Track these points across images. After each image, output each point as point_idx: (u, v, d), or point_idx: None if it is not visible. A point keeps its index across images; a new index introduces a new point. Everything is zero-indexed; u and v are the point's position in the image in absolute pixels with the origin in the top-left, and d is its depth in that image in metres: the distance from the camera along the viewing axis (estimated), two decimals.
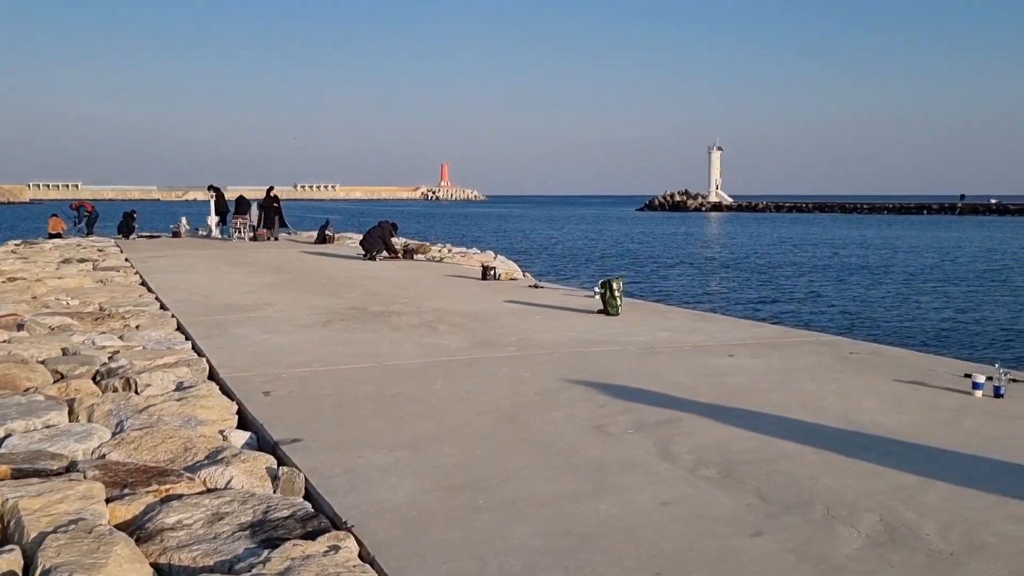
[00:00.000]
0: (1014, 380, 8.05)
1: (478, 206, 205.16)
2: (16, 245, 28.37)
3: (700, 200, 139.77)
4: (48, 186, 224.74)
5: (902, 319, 22.72)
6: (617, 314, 12.36)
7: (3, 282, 16.50)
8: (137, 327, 11.03)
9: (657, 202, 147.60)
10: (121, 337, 10.19)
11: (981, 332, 21.13)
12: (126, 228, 31.85)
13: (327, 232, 29.21)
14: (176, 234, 33.03)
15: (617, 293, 12.46)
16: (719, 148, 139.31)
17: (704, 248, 52.82)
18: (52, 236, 32.22)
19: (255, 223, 31.02)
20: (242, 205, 30.77)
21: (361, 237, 23.56)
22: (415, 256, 23.13)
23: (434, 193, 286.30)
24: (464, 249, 28.21)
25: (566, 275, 34.16)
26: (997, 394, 7.45)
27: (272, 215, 31.16)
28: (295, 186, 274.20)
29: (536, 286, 16.19)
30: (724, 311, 22.96)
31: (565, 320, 11.92)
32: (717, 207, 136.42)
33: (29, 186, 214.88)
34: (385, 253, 22.25)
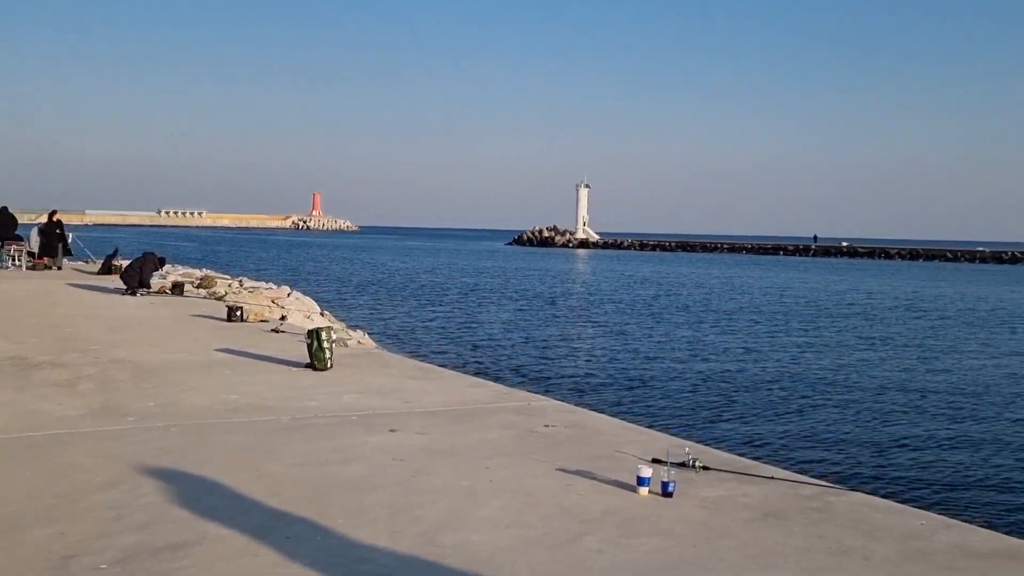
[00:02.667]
0: (705, 468, 6.59)
1: (348, 237, 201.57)
2: None
3: (568, 236, 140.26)
4: None
5: (666, 374, 18.98)
6: (325, 368, 10.58)
7: None
8: None
9: (526, 237, 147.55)
10: None
11: (749, 389, 17.18)
12: None
13: (113, 262, 26.60)
14: None
15: (326, 344, 10.68)
16: (587, 185, 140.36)
17: (534, 283, 51.72)
18: None
19: (34, 250, 28.05)
20: (4, 228, 27.72)
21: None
22: (185, 292, 20.85)
23: (305, 223, 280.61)
24: (259, 284, 26.03)
25: (365, 312, 32.20)
26: (665, 492, 5.93)
27: (55, 241, 28.25)
28: (159, 212, 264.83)
29: (277, 331, 14.27)
30: (504, 352, 21.48)
31: (258, 376, 10.08)
32: (584, 244, 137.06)
33: None
34: (144, 289, 19.92)
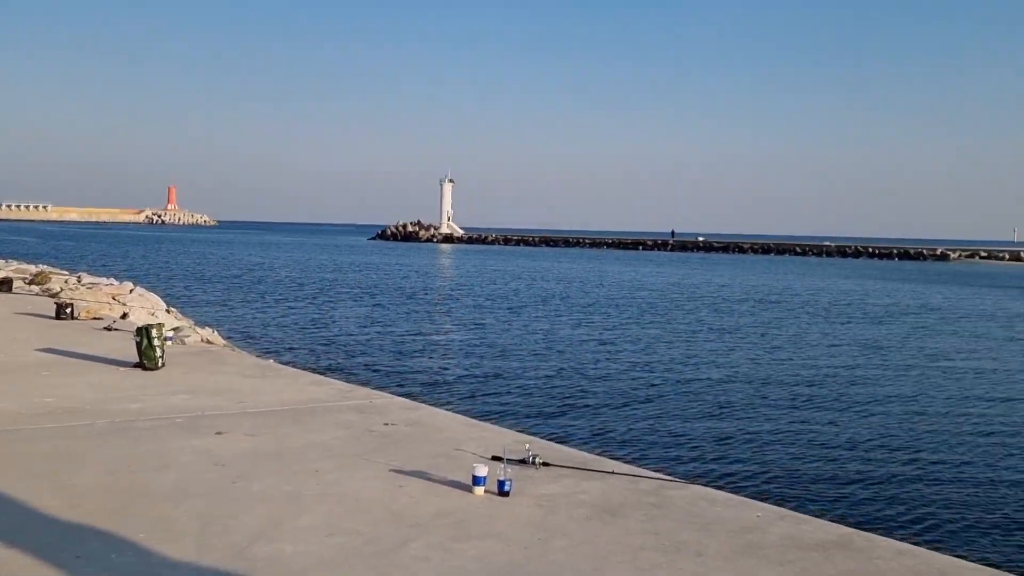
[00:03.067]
0: (545, 464, 6.41)
1: (205, 231, 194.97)
2: None
3: (432, 231, 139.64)
4: None
5: (535, 374, 17.58)
6: (156, 367, 9.94)
7: None
8: None
9: (390, 232, 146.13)
10: None
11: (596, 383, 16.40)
12: None
13: None
14: None
15: (156, 342, 10.05)
16: (451, 180, 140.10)
17: (394, 278, 51.18)
18: None
19: None
20: None
21: None
22: (14, 288, 19.52)
23: (160, 217, 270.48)
24: (100, 280, 24.63)
25: (216, 308, 31.05)
26: (501, 491, 5.70)
27: None
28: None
29: (110, 328, 13.43)
30: (359, 348, 21.05)
31: (80, 377, 9.37)
32: (448, 238, 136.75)
33: None
34: None
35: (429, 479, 5.95)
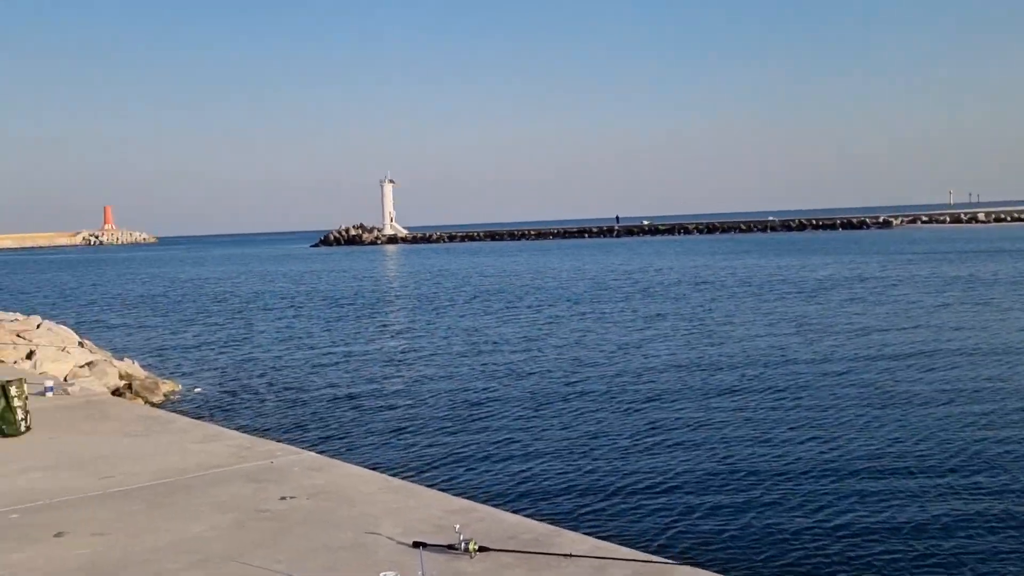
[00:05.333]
0: (483, 548, 4.89)
1: (144, 250, 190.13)
2: None
3: (376, 233, 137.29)
4: None
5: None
6: (18, 433, 8.25)
7: None
8: None
9: (332, 237, 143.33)
10: None
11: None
12: None
13: None
14: None
15: (16, 403, 8.34)
16: (391, 181, 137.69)
17: (334, 286, 49.34)
18: None
19: None
20: None
21: None
22: None
23: (97, 238, 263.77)
24: (4, 315, 22.61)
25: (138, 333, 29.19)
26: None
27: None
28: None
29: None
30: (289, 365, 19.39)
31: None
32: (393, 240, 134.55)
33: None
34: None
35: None
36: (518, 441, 12.28)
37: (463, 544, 4.86)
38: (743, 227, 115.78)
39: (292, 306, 37.33)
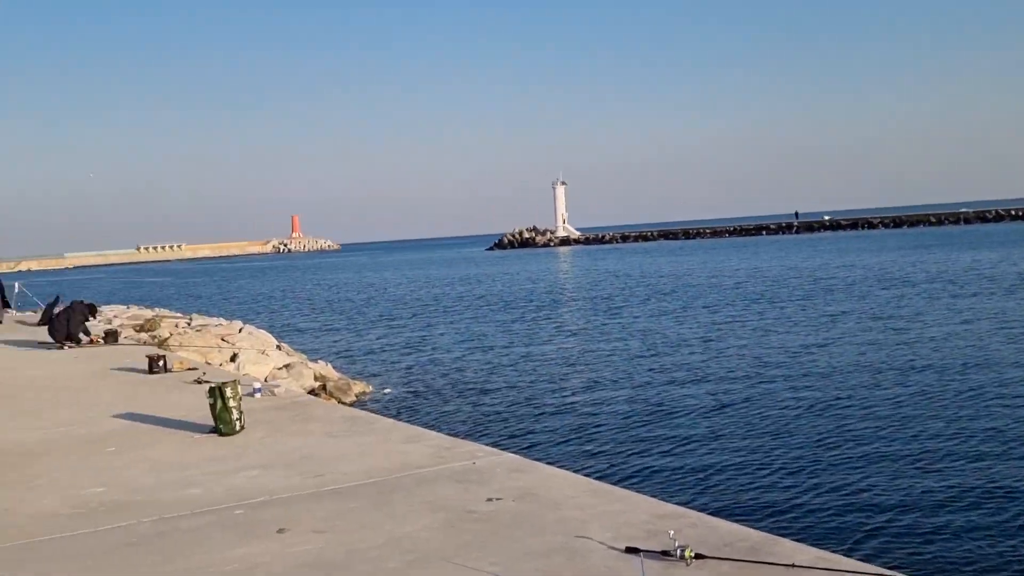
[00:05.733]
0: (699, 556, 4.73)
1: (330, 256, 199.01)
2: None
3: (548, 236, 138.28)
4: None
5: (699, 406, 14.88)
6: (233, 432, 8.69)
7: None
8: None
9: (506, 240, 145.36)
10: None
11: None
12: None
13: (54, 311, 24.58)
14: None
15: (232, 403, 8.78)
16: (563, 182, 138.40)
17: (511, 289, 49.79)
18: None
19: None
20: None
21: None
22: (120, 340, 18.92)
23: (285, 245, 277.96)
24: (209, 321, 24.06)
25: (329, 337, 30.35)
26: None
27: None
28: (138, 248, 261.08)
29: (200, 381, 12.33)
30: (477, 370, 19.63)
31: (145, 451, 8.19)
32: (565, 241, 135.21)
33: None
34: (71, 342, 17.97)
35: None
36: (706, 444, 12.02)
37: (679, 551, 4.72)
38: (932, 220, 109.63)
39: (470, 308, 38.13)
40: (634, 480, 9.78)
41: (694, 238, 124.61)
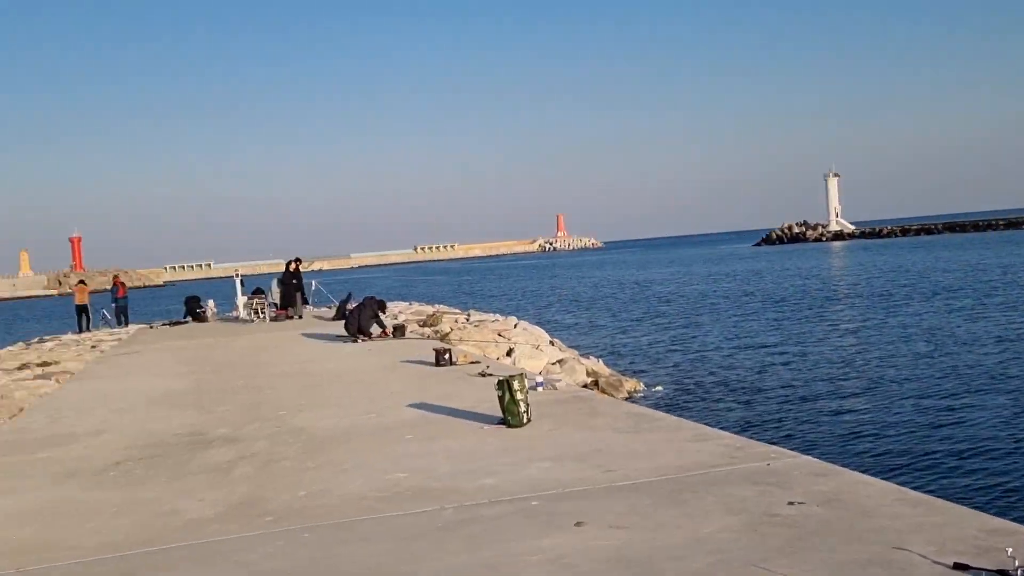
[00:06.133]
0: None
1: (593, 254, 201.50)
2: (28, 344, 26.73)
3: (820, 230, 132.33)
4: (183, 267, 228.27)
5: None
6: (520, 425, 8.90)
7: None
8: None
9: (775, 235, 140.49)
10: None
11: None
12: (191, 312, 30.70)
13: (346, 307, 26.49)
14: (199, 318, 30.88)
15: (520, 396, 8.99)
16: (836, 174, 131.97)
17: (786, 286, 47.72)
18: (80, 308, 30.96)
19: (275, 301, 28.60)
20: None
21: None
22: (407, 334, 20.04)
23: (551, 244, 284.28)
24: (486, 316, 24.96)
25: (596, 333, 30.44)
26: None
27: (292, 292, 28.58)
28: (415, 248, 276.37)
29: (483, 374, 12.78)
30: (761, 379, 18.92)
31: (440, 441, 8.57)
32: (839, 236, 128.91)
33: (165, 268, 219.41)
34: (363, 336, 19.24)
35: None
36: (1015, 455, 10.93)
37: (1018, 571, 4.26)
38: None
39: (737, 305, 37.19)
40: (940, 489, 9.06)
41: (984, 230, 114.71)
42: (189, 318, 30.83)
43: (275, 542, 5.78)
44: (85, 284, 33.25)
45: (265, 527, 6.15)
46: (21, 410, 13.09)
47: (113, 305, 32.34)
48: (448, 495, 6.57)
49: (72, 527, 6.60)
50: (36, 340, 28.35)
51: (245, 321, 28.80)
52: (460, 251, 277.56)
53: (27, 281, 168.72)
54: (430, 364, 14.31)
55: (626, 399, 17.25)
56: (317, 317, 28.17)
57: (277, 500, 6.83)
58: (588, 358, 21.75)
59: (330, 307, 31.23)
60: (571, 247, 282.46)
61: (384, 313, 20.49)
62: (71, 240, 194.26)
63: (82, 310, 31.13)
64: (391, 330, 19.92)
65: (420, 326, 23.63)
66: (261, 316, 28.28)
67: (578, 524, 5.64)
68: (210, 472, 8.00)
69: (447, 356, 14.27)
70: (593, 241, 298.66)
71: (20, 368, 18.85)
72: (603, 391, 18.59)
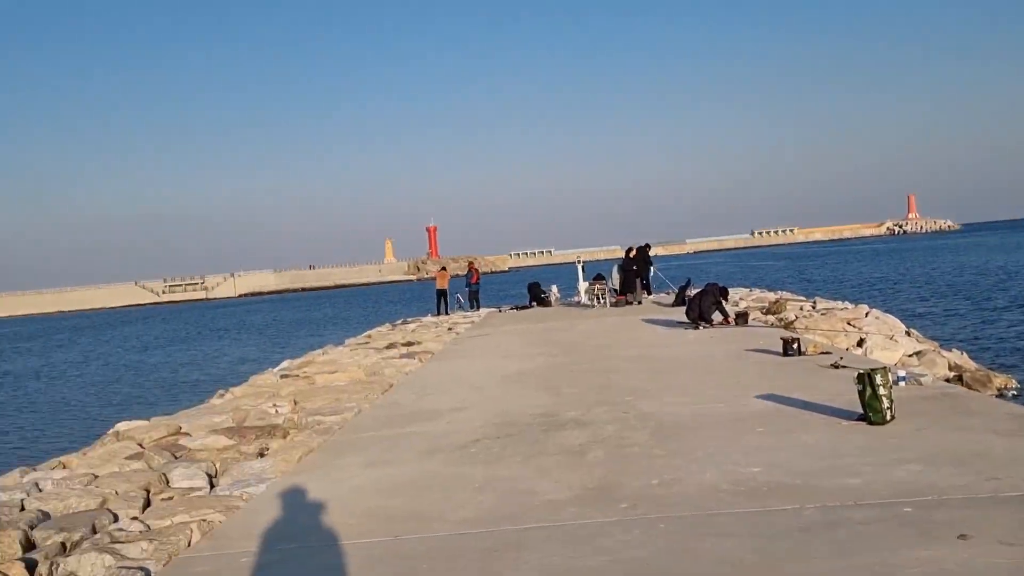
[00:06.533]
0: None
1: (948, 237, 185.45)
2: (394, 325, 29.38)
3: None
4: (525, 254, 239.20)
5: None
6: (883, 422, 8.29)
7: (280, 379, 16.25)
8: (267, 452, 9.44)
9: None
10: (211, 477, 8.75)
11: None
12: (535, 297, 32.16)
13: (686, 293, 26.38)
14: (543, 303, 32.13)
15: (882, 391, 8.37)
16: None
17: None
18: (440, 292, 33.37)
19: (616, 287, 29.13)
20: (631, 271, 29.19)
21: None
22: (750, 321, 19.54)
23: (900, 227, 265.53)
24: (833, 304, 23.71)
25: (959, 324, 27.65)
26: None
27: (632, 278, 28.94)
28: (752, 233, 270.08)
29: (836, 366, 12.09)
30: None
31: (794, 435, 8.21)
32: None
33: (510, 255, 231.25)
34: (704, 323, 18.99)
35: None
36: None
37: None
38: None
39: None
40: None
41: None
42: (534, 303, 32.10)
43: (632, 530, 5.80)
44: (446, 271, 35.85)
45: (622, 514, 6.20)
46: (391, 386, 14.29)
47: (467, 289, 34.55)
48: (808, 494, 6.26)
49: (438, 500, 7.06)
50: (400, 321, 31.07)
51: (586, 306, 29.58)
52: (800, 235, 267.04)
53: (391, 267, 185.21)
54: (776, 353, 13.82)
55: (996, 396, 15.65)
56: (656, 303, 28.29)
57: (630, 486, 6.87)
58: (950, 350, 19.99)
59: (668, 293, 31.26)
60: (924, 230, 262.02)
61: (726, 300, 20.12)
62: (427, 229, 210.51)
63: (442, 294, 33.59)
64: (733, 317, 19.52)
65: (763, 313, 22.96)
66: (601, 301, 28.90)
67: (961, 537, 5.12)
68: (564, 454, 8.23)
69: (795, 345, 13.70)
70: (949, 223, 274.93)
71: (388, 347, 20.69)
72: (968, 387, 16.97)
